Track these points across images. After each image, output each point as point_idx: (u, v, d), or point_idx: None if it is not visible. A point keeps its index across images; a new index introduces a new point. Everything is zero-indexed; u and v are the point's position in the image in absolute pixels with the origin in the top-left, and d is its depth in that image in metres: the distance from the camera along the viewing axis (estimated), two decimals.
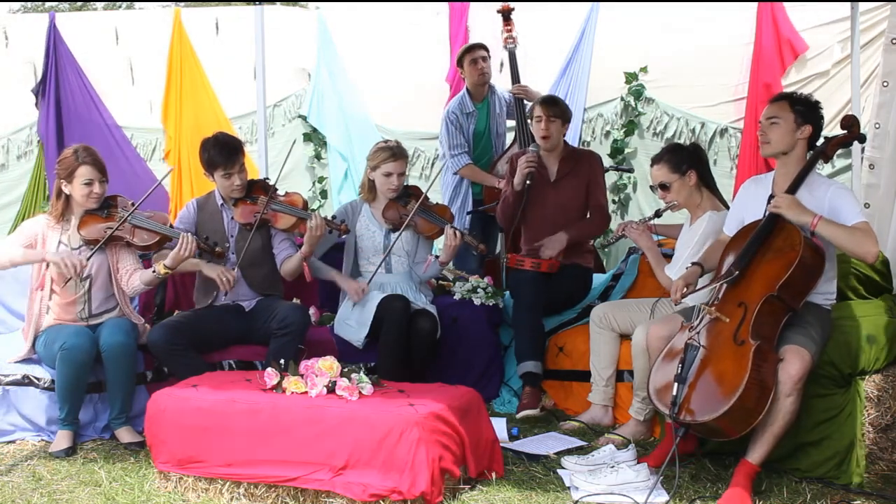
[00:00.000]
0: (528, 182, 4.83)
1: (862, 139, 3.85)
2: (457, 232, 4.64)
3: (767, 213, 3.61)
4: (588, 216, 4.97)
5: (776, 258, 3.51)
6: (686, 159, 4.29)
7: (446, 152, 5.76)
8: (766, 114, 3.77)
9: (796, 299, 3.52)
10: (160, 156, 7.50)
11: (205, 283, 4.59)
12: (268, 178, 4.71)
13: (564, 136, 4.97)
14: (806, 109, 3.71)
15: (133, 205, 4.28)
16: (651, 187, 4.44)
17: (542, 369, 4.56)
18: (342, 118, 7.41)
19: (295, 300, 4.81)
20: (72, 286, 4.25)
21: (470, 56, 5.63)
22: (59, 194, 4.28)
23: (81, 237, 4.26)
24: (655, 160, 4.36)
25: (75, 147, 4.30)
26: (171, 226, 4.36)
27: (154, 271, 4.22)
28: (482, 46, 5.71)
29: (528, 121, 5.20)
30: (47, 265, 4.20)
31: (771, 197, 3.70)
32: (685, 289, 3.71)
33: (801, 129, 3.69)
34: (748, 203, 3.85)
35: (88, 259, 4.19)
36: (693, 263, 3.85)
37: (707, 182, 4.35)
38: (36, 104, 7.08)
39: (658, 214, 4.47)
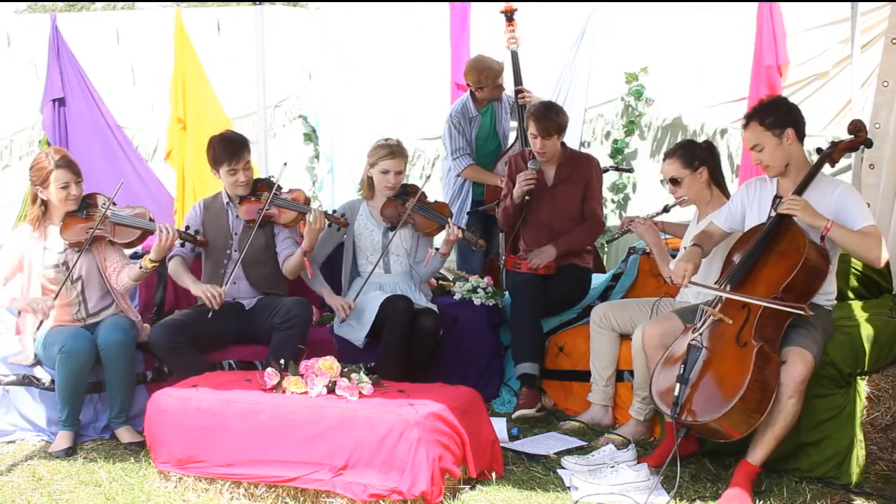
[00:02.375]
0: (527, 197, 4.83)
1: (869, 144, 3.81)
2: (458, 228, 4.64)
3: (777, 213, 3.57)
4: (583, 222, 4.95)
5: (780, 260, 3.50)
6: (699, 155, 4.28)
7: (448, 155, 5.76)
8: (748, 142, 3.73)
9: (800, 301, 3.48)
10: (161, 156, 7.51)
11: (210, 278, 4.61)
12: (272, 176, 4.73)
13: (561, 140, 4.94)
14: (776, 118, 3.64)
15: (109, 199, 4.28)
16: (661, 181, 4.42)
17: (539, 370, 4.56)
18: (339, 118, 7.42)
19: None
20: (64, 289, 4.25)
21: (495, 82, 5.60)
22: (34, 200, 4.28)
23: (64, 241, 4.26)
24: (668, 154, 4.34)
25: (46, 151, 4.30)
26: (152, 219, 4.36)
27: (140, 266, 4.23)
28: (502, 69, 5.66)
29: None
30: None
31: (776, 198, 3.69)
32: (691, 272, 3.66)
33: (783, 138, 3.64)
34: (752, 202, 3.82)
35: (71, 271, 4.19)
36: (693, 244, 3.82)
37: (717, 180, 4.34)
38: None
39: (666, 210, 4.45)
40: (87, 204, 4.32)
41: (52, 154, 4.25)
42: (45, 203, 4.28)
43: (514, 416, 4.42)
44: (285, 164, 4.66)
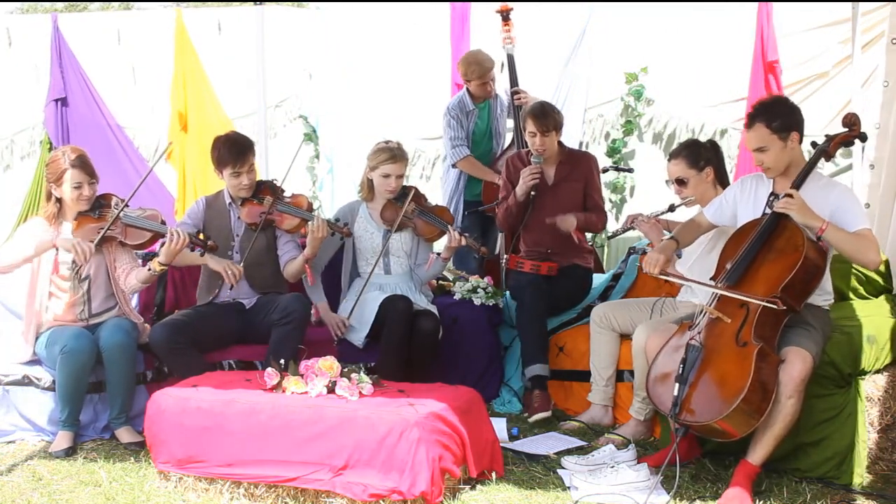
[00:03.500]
0: (532, 193, 4.84)
1: (864, 138, 3.78)
2: (459, 235, 4.65)
3: (773, 211, 3.56)
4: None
5: (779, 258, 3.48)
6: (704, 155, 4.28)
7: (447, 144, 5.77)
8: (750, 143, 3.67)
9: (798, 300, 3.49)
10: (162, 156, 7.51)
11: (208, 280, 4.61)
12: (275, 180, 4.73)
13: (559, 139, 4.95)
14: (782, 121, 3.60)
15: (123, 201, 4.28)
16: (666, 182, 4.42)
17: (549, 371, 4.56)
18: (339, 118, 7.43)
19: None
20: (71, 287, 4.25)
21: (480, 80, 5.59)
22: (49, 197, 4.29)
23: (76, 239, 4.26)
24: (673, 155, 4.34)
25: (63, 149, 4.29)
26: (163, 222, 4.37)
27: (149, 269, 4.22)
28: (491, 67, 5.67)
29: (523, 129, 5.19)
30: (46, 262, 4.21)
31: (772, 195, 3.68)
32: (664, 265, 3.64)
33: (789, 141, 3.62)
34: (746, 198, 3.81)
35: (94, 243, 4.19)
36: (670, 237, 3.81)
37: (722, 179, 4.34)
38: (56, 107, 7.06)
39: (672, 209, 4.45)
40: (100, 204, 4.32)
41: (69, 153, 4.24)
42: (59, 200, 4.28)
43: (531, 420, 4.42)
44: (276, 179, 4.67)
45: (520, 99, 5.66)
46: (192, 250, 4.42)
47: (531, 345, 4.60)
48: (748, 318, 3.41)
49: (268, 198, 4.56)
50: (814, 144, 3.73)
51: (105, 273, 4.34)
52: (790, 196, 3.51)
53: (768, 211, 3.65)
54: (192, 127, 7.01)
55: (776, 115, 3.63)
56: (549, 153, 4.87)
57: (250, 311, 4.57)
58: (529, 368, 4.56)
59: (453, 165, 5.74)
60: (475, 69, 5.58)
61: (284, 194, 4.63)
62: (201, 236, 4.40)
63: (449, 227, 4.71)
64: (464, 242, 4.66)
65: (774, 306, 3.37)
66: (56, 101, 6.96)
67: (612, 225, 6.75)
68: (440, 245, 4.86)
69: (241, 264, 4.50)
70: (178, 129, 6.98)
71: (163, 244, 4.21)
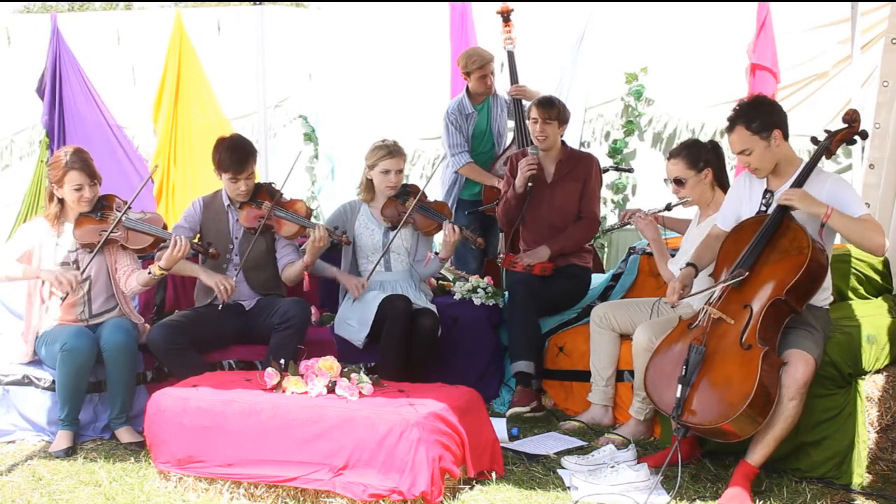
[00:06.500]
0: (529, 185, 4.84)
1: (864, 135, 3.74)
2: (455, 227, 4.66)
3: (776, 205, 3.53)
4: (579, 220, 4.95)
5: (783, 259, 3.44)
6: (704, 156, 4.26)
7: (447, 151, 5.78)
8: (733, 147, 3.64)
9: (801, 302, 3.47)
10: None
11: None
12: (273, 183, 4.71)
13: (562, 136, 4.96)
14: (762, 121, 3.57)
15: (125, 203, 4.27)
16: (665, 181, 4.42)
17: (534, 369, 4.54)
18: (339, 118, 7.43)
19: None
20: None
21: (480, 72, 5.61)
22: (51, 197, 4.28)
23: (77, 240, 4.25)
24: (673, 154, 4.32)
25: (66, 149, 4.28)
26: (165, 226, 4.36)
27: (150, 272, 4.22)
28: (491, 59, 5.69)
29: (526, 121, 5.21)
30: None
31: (766, 192, 3.67)
32: (682, 291, 3.67)
33: (771, 140, 3.58)
34: (744, 196, 3.79)
35: (86, 267, 4.20)
36: (687, 264, 3.80)
37: (721, 180, 4.33)
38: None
39: (668, 208, 4.44)
40: (102, 205, 4.31)
41: (71, 154, 4.22)
42: (61, 201, 4.28)
43: (507, 413, 4.42)
44: (274, 183, 4.69)
45: (518, 90, 5.68)
46: (196, 256, 4.41)
47: (517, 341, 4.60)
48: (752, 319, 3.39)
49: (266, 203, 4.55)
50: (814, 141, 3.71)
51: (106, 274, 4.33)
52: (791, 188, 3.49)
53: (763, 208, 3.64)
54: (189, 127, 7.01)
55: (755, 115, 3.59)
56: (548, 144, 4.87)
57: (250, 312, 4.57)
58: (514, 365, 4.56)
59: (455, 172, 5.75)
60: (475, 59, 5.60)
61: (283, 199, 4.62)
62: (202, 243, 4.38)
63: (446, 220, 4.72)
64: (461, 234, 4.66)
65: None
66: (53, 100, 6.94)
67: (613, 221, 6.76)
68: (438, 240, 4.87)
69: (241, 268, 4.49)
70: (170, 128, 6.96)
71: (162, 248, 4.21)
